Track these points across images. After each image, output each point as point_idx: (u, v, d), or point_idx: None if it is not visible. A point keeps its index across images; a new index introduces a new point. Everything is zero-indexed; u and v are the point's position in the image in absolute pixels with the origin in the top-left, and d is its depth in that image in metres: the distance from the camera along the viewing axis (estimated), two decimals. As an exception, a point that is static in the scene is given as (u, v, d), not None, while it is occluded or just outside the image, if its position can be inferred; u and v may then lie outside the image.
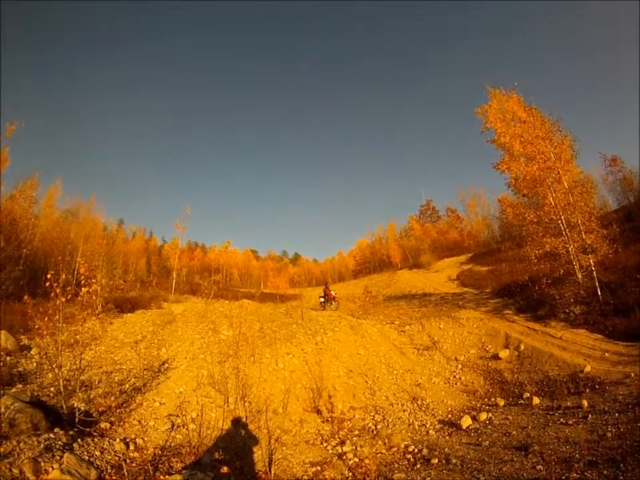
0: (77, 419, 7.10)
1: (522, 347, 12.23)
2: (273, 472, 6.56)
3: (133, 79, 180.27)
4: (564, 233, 15.46)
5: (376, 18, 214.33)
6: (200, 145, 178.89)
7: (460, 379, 11.65)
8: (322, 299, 22.80)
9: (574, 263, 14.99)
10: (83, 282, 9.00)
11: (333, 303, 22.46)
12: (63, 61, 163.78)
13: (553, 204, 15.95)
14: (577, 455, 6.12)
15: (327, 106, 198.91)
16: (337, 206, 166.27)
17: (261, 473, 6.66)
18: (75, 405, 7.79)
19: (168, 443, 7.24)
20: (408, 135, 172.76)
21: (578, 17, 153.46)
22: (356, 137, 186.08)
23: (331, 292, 23.13)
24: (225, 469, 5.92)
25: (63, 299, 7.68)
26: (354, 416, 9.53)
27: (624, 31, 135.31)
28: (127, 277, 26.93)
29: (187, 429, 7.69)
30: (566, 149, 16.48)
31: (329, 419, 9.25)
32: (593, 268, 14.53)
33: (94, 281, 9.57)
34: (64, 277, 7.95)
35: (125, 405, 8.48)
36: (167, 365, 10.60)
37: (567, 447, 6.56)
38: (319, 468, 7.22)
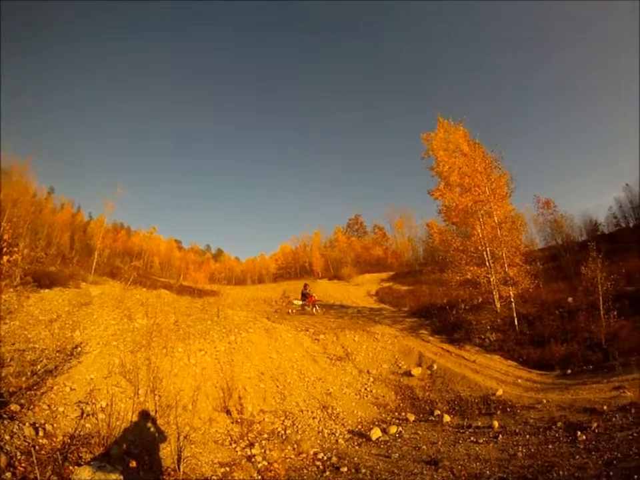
0: (-14, 399, 6.27)
1: (435, 367, 12.29)
2: (181, 470, 6.08)
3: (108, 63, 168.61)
4: (487, 263, 16.01)
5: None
6: (146, 130, 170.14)
7: (371, 391, 11.50)
8: (296, 304, 21.20)
9: (494, 292, 15.54)
10: (5, 249, 8.04)
11: (316, 308, 20.76)
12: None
13: (481, 235, 16.51)
14: (488, 472, 6.05)
15: (274, 105, 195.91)
16: (266, 206, 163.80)
17: (169, 469, 6.17)
18: (-14, 383, 6.91)
19: (77, 432, 6.49)
20: (350, 145, 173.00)
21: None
22: (295, 140, 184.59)
23: (313, 295, 21.42)
24: (133, 463, 5.57)
25: (-18, 265, 6.79)
26: (263, 419, 9.14)
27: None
28: (49, 250, 24.84)
29: (96, 418, 6.98)
30: (502, 186, 17.15)
31: (239, 420, 8.81)
32: (512, 299, 15.13)
33: (16, 249, 8.58)
34: (-14, 241, 7.02)
35: (35, 387, 7.54)
36: (79, 348, 9.67)
37: (477, 463, 6.50)
38: (227, 469, 6.83)
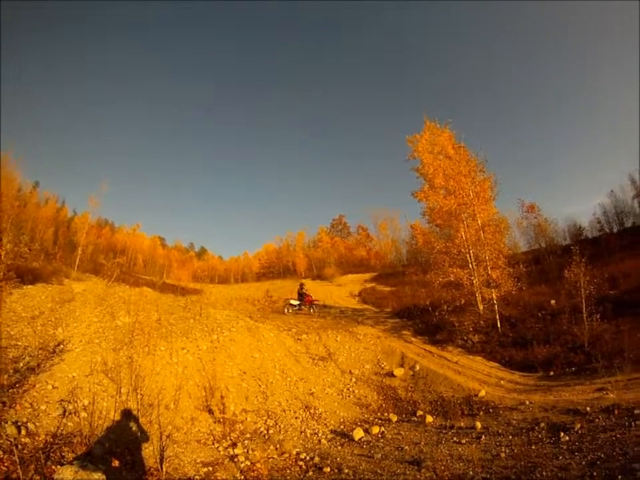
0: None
1: (417, 368, 12.32)
2: (164, 469, 5.98)
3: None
4: (470, 265, 16.10)
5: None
6: (133, 129, 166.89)
7: (353, 391, 11.49)
8: (293, 304, 20.48)
9: (477, 294, 15.65)
10: (-13, 244, 7.86)
11: (314, 308, 20.42)
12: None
13: (464, 238, 16.59)
14: (471, 472, 6.05)
15: (259, 106, 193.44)
16: (251, 206, 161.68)
17: (152, 469, 6.09)
18: (-33, 380, 6.77)
19: (59, 431, 6.37)
20: (335, 146, 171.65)
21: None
22: (281, 140, 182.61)
23: (310, 295, 20.92)
24: (116, 463, 5.52)
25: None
26: (246, 419, 9.11)
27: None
28: (32, 246, 24.42)
29: (78, 417, 6.86)
30: (486, 189, 17.28)
31: (221, 420, 8.77)
32: (495, 301, 15.28)
33: (-2, 243, 8.37)
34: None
35: (18, 385, 7.42)
36: (62, 346, 9.52)
37: (460, 464, 6.50)
38: (210, 469, 6.78)
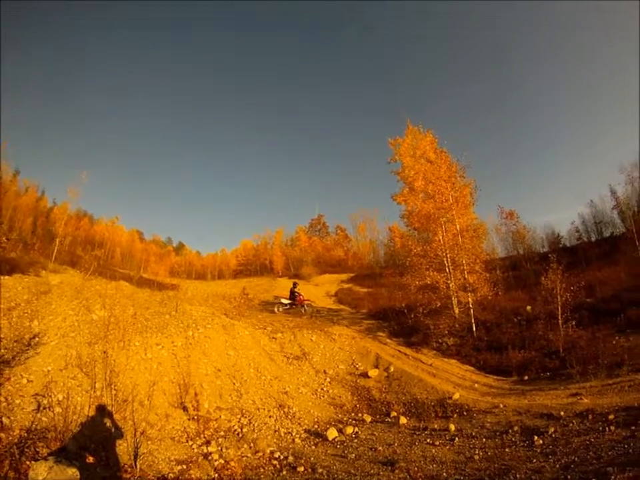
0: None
1: (392, 369, 12.33)
2: (138, 466, 5.95)
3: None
4: (447, 269, 16.20)
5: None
6: (117, 125, 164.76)
7: (328, 391, 11.47)
8: (284, 302, 20.11)
9: (453, 298, 15.76)
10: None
11: (305, 308, 19.98)
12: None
13: (442, 242, 16.70)
14: (444, 474, 6.09)
15: (246, 103, 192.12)
16: (230, 202, 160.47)
17: (126, 466, 6.00)
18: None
19: (34, 425, 6.22)
20: (317, 146, 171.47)
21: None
22: (264, 138, 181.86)
23: (301, 295, 20.54)
24: (90, 459, 5.46)
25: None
26: (220, 416, 9.02)
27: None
28: (10, 235, 23.76)
29: (52, 412, 6.73)
30: (466, 195, 17.45)
31: (195, 417, 8.67)
32: (471, 305, 15.41)
33: (-24, 232, 8.11)
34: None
35: None
36: (37, 339, 9.30)
37: (434, 465, 6.54)
38: (184, 466, 6.70)
